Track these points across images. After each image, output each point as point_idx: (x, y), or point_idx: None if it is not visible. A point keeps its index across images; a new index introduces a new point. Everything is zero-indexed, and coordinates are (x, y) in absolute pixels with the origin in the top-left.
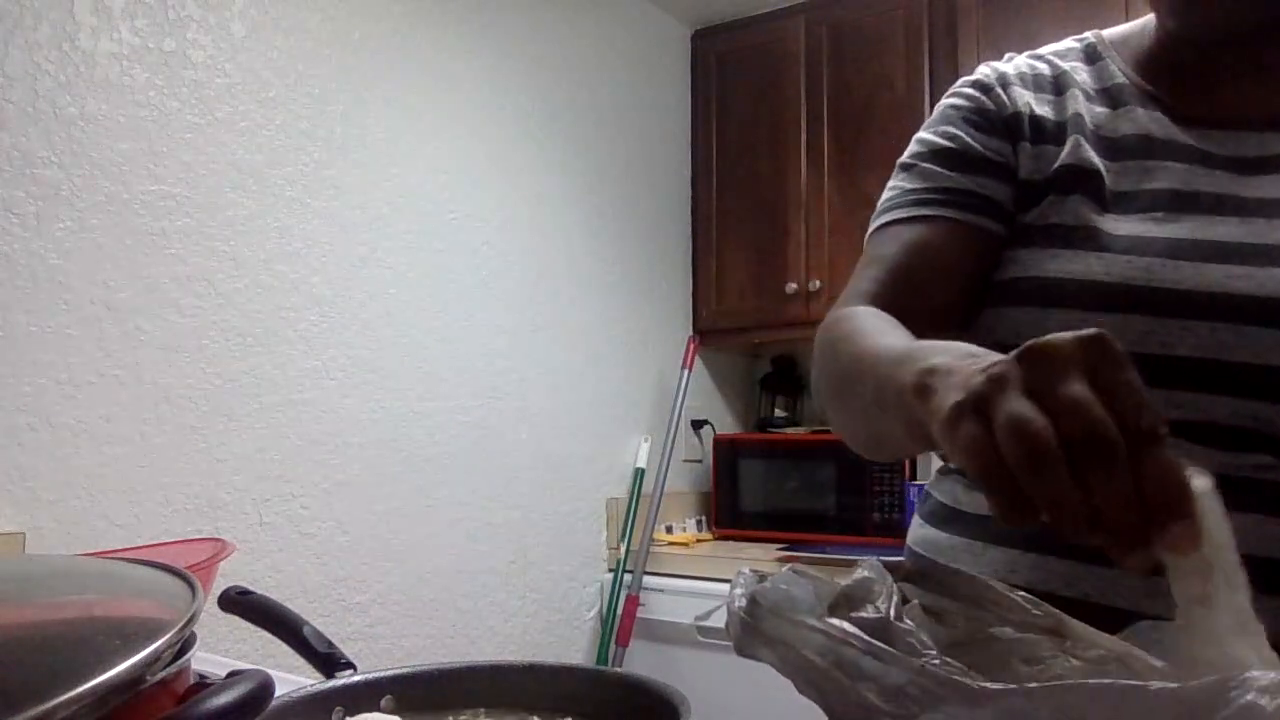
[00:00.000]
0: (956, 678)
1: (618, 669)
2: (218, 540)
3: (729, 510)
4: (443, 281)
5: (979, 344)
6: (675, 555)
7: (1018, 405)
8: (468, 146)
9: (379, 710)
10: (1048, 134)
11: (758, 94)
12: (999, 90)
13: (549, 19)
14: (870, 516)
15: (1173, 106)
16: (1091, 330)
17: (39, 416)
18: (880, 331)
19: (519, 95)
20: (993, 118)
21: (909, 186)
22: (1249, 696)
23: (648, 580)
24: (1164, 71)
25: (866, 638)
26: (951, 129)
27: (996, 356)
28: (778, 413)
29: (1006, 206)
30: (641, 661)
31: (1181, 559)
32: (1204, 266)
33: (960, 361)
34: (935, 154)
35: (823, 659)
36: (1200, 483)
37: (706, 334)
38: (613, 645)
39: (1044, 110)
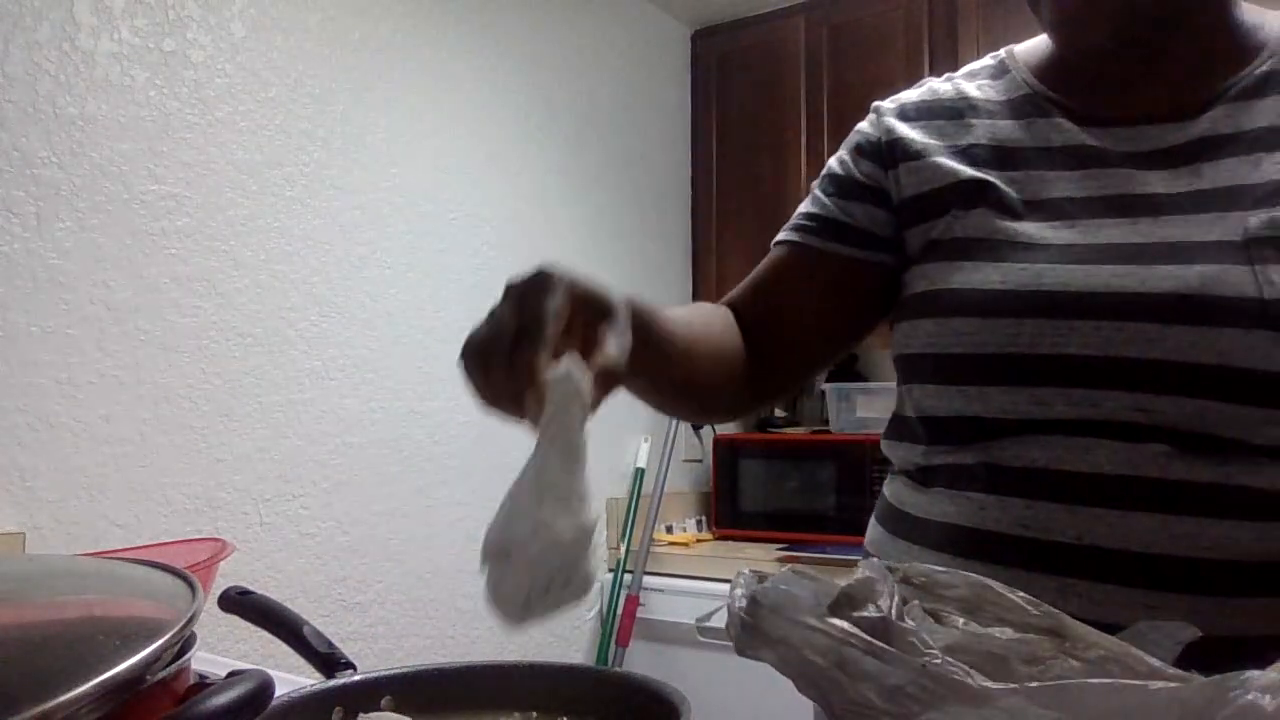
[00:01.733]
0: (957, 677)
1: (618, 669)
2: (218, 540)
3: (729, 510)
4: (443, 281)
5: (898, 355)
6: (675, 555)
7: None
8: (468, 146)
9: (379, 710)
10: (932, 152)
11: (758, 94)
12: (884, 119)
13: (549, 19)
14: (870, 517)
15: (1074, 109)
16: (538, 264)
17: (39, 416)
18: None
19: (519, 95)
20: (874, 143)
21: (800, 209)
22: (1250, 696)
23: (648, 580)
24: (1065, 76)
25: (867, 637)
26: (844, 154)
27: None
28: (778, 413)
29: (873, 231)
30: (641, 661)
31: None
32: (1092, 268)
33: None
34: (824, 177)
35: (824, 659)
36: (558, 369)
37: None
38: (613, 645)
39: (931, 136)
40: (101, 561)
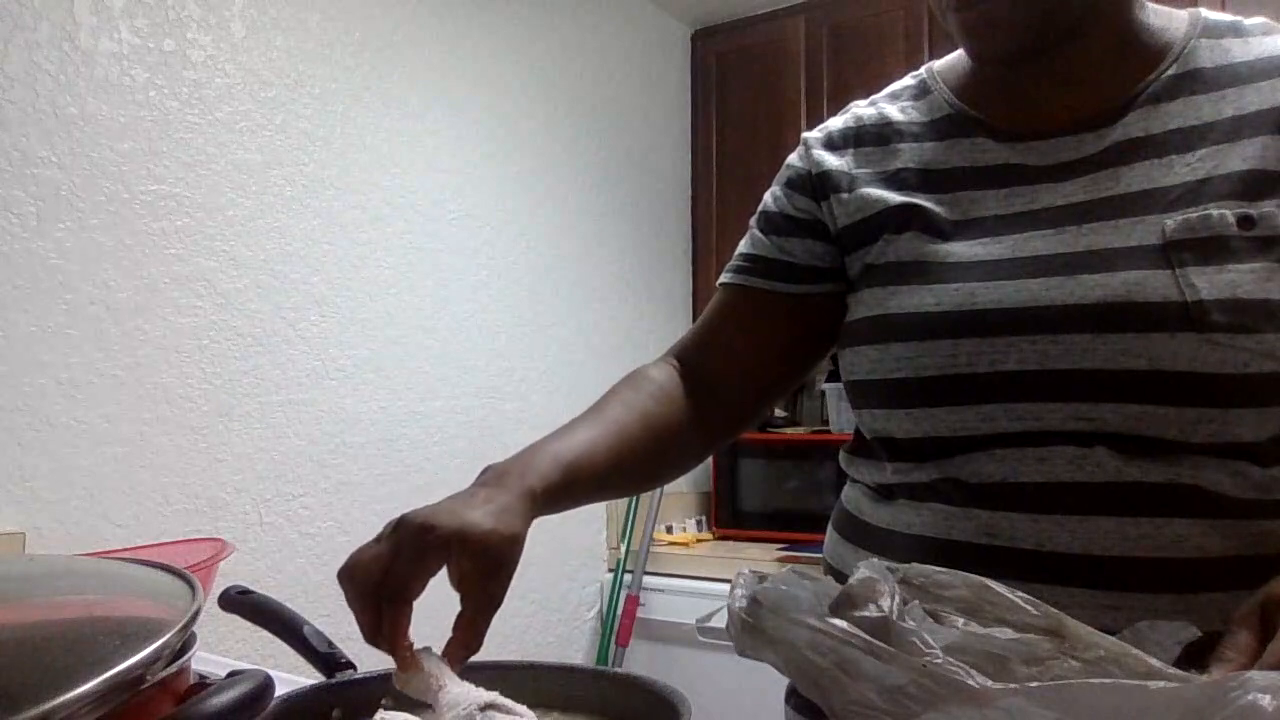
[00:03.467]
0: (958, 677)
1: (618, 669)
2: (218, 540)
3: (729, 510)
4: (443, 281)
5: (844, 381)
6: (675, 555)
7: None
8: (468, 146)
9: (381, 708)
10: (861, 181)
11: (758, 94)
12: (812, 151)
13: (549, 19)
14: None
15: (994, 125)
16: (407, 514)
17: (39, 416)
18: (582, 421)
19: (519, 95)
20: (805, 177)
21: (740, 250)
22: (1249, 696)
23: (648, 580)
24: (983, 92)
25: (867, 637)
26: (777, 189)
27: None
28: (778, 412)
29: (811, 264)
30: (641, 661)
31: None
32: (1023, 283)
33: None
34: (760, 215)
35: (824, 658)
36: (419, 656)
37: None
38: (613, 645)
39: (859, 164)
40: (101, 561)
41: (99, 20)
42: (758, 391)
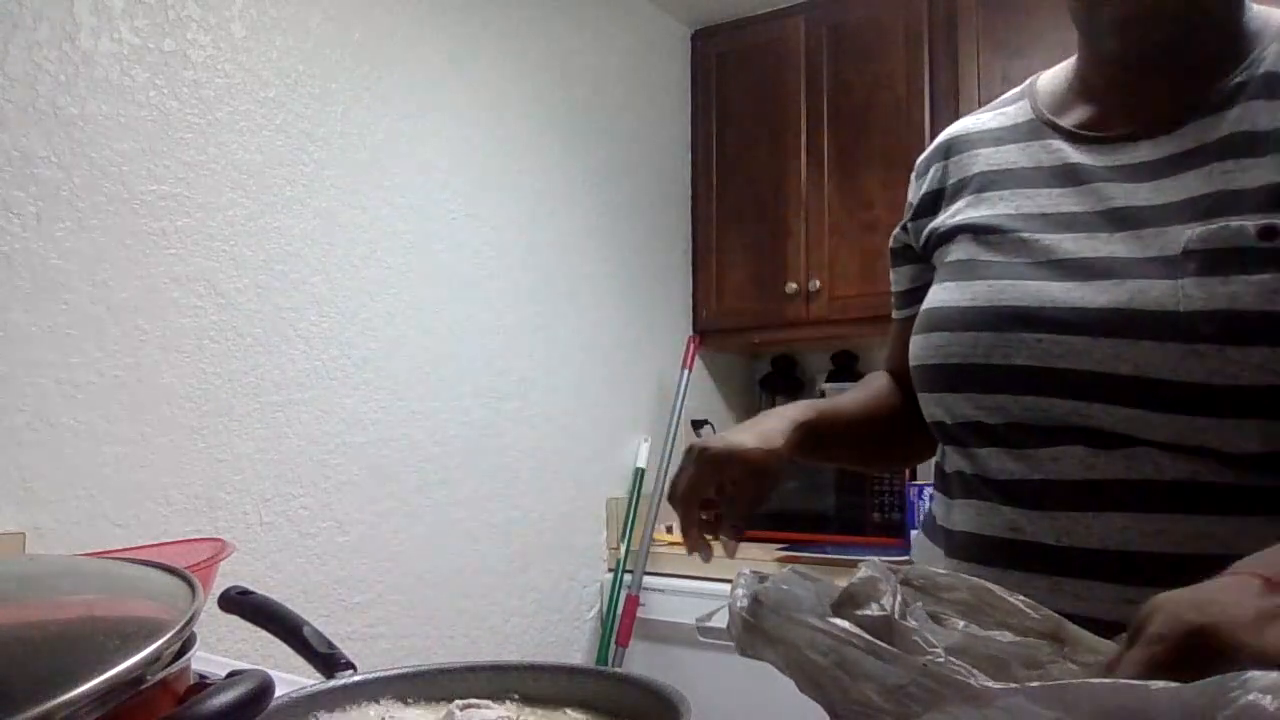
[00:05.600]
0: (959, 677)
1: (618, 669)
2: (218, 540)
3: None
4: (443, 281)
5: (910, 366)
6: (675, 555)
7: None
8: (468, 146)
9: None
10: (942, 199)
11: (758, 94)
12: (911, 182)
13: (549, 19)
14: (870, 516)
15: (1066, 129)
16: (694, 441)
17: (39, 416)
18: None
19: (519, 95)
20: (910, 206)
21: (891, 289)
22: (1250, 696)
23: (648, 580)
24: (1070, 102)
25: (868, 637)
26: (901, 223)
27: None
28: None
29: (912, 286)
30: (641, 661)
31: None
32: (1045, 284)
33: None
34: (890, 251)
35: (825, 658)
36: None
37: (706, 334)
38: (613, 645)
39: (934, 180)
40: (101, 561)
41: (99, 20)
42: None
